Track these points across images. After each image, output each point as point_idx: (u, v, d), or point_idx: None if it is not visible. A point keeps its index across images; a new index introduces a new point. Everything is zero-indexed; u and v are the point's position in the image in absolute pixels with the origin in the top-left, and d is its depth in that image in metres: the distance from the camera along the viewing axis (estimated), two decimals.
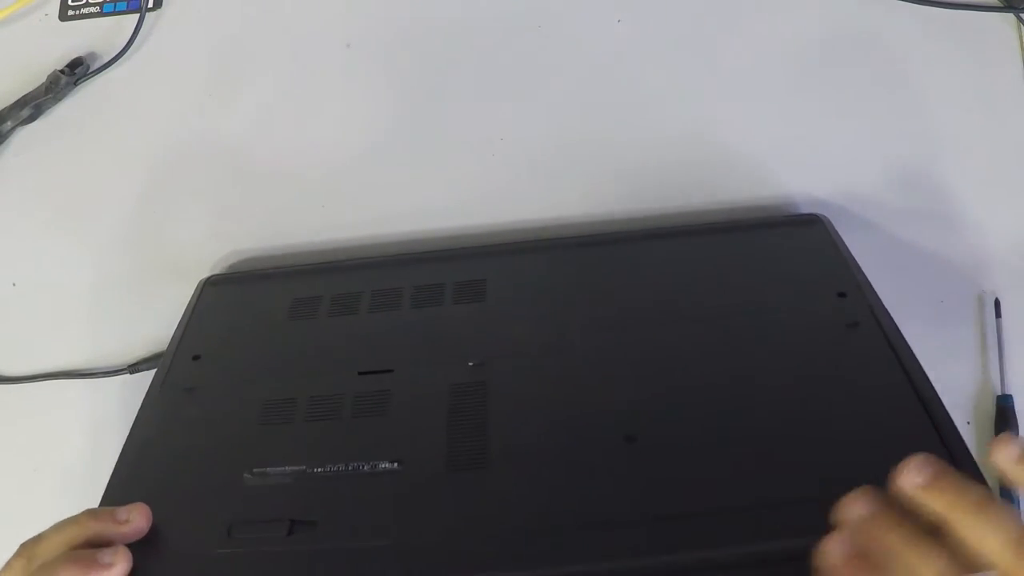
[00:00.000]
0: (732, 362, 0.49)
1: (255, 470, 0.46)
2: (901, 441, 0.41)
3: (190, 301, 0.59)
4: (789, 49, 0.65)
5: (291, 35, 0.70)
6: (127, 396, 0.62)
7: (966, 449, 0.42)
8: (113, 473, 0.48)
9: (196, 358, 0.54)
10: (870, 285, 0.52)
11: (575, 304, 0.54)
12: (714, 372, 0.49)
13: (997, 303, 0.59)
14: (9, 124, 0.68)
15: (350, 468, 0.45)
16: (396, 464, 0.45)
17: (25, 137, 0.69)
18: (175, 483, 0.47)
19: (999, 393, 0.57)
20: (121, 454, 0.49)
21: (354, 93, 0.68)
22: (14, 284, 0.67)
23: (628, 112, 0.65)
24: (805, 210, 0.62)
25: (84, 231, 0.67)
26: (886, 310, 0.50)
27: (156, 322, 0.64)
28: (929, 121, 0.63)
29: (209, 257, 0.65)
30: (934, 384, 0.58)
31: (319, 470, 0.46)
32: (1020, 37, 0.64)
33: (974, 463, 0.41)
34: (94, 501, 0.61)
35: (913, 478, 0.33)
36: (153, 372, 0.61)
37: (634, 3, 0.67)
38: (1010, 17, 0.64)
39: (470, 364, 0.50)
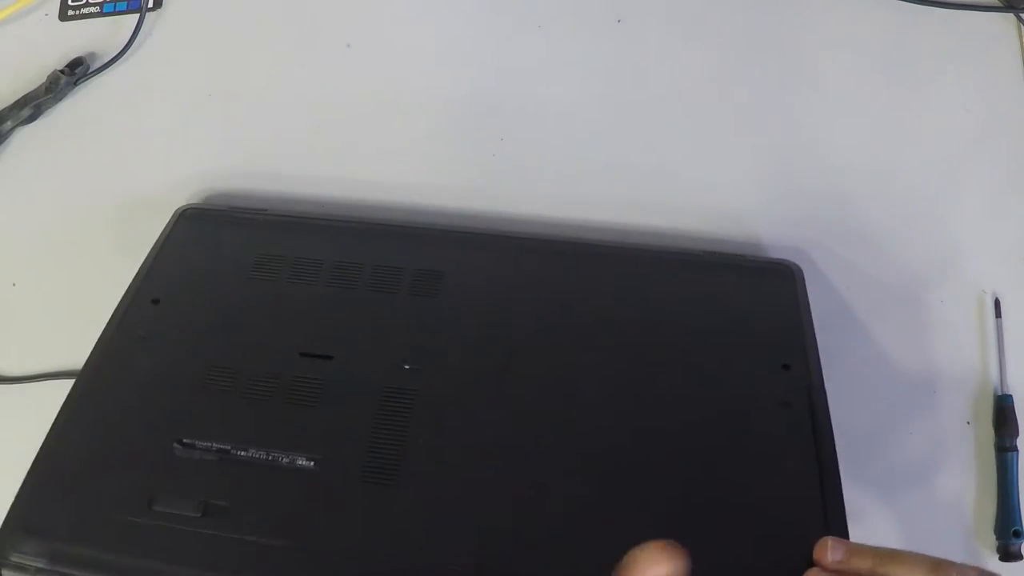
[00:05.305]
0: (663, 420, 0.50)
1: (185, 441, 0.48)
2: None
3: (162, 232, 0.60)
4: (789, 51, 0.65)
5: (291, 34, 0.70)
6: None
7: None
8: (54, 423, 0.50)
9: (155, 302, 0.55)
10: (817, 356, 0.52)
11: (521, 317, 0.54)
12: (633, 431, 0.49)
13: (997, 303, 0.59)
14: (9, 124, 0.68)
15: (270, 457, 0.48)
16: (312, 463, 0.47)
17: (25, 137, 0.69)
18: (111, 441, 0.49)
19: (999, 393, 0.58)
20: (66, 400, 0.51)
21: (354, 94, 0.68)
22: (14, 284, 0.67)
23: (623, 123, 0.65)
24: (800, 213, 0.61)
25: (84, 231, 0.67)
26: (824, 390, 0.50)
27: None
28: (929, 120, 0.63)
29: None
30: (934, 384, 0.58)
31: (241, 453, 0.48)
32: (1020, 37, 0.64)
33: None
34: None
35: (834, 555, 0.41)
36: None
37: (635, 4, 0.67)
38: (1010, 17, 0.64)
39: (406, 367, 0.51)
